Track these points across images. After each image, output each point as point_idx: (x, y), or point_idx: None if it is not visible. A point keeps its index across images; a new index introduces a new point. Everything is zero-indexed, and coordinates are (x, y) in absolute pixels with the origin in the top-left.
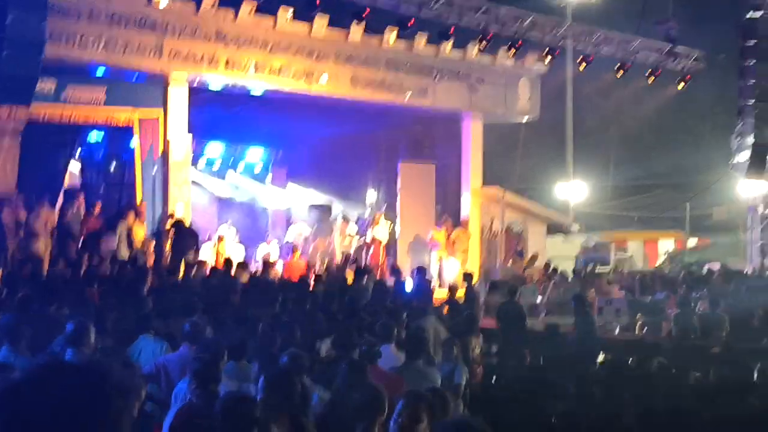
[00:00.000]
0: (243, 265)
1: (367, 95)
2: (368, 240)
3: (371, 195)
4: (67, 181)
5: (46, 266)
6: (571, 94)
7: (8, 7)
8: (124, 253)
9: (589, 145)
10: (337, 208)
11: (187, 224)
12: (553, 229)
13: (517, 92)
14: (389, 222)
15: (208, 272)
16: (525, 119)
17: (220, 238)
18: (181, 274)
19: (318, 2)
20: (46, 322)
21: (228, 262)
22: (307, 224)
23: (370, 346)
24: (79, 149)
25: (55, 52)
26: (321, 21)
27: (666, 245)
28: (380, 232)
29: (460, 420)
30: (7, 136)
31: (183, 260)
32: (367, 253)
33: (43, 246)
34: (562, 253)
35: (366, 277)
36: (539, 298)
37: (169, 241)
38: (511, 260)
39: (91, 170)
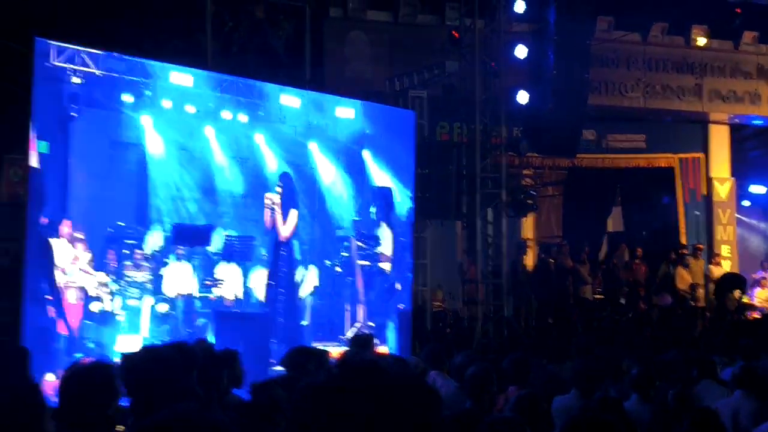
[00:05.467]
0: None
1: None
2: None
3: None
4: (610, 227)
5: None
6: None
7: (553, 60)
8: (671, 297)
9: None
10: None
11: (732, 266)
12: None
13: None
14: None
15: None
16: None
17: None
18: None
19: None
20: (603, 367)
21: None
22: None
23: None
24: (620, 195)
25: (596, 101)
26: None
27: None
28: None
29: None
30: (551, 186)
31: (726, 303)
32: None
33: (590, 291)
34: None
35: None
36: None
37: (715, 284)
38: None
39: (633, 215)
